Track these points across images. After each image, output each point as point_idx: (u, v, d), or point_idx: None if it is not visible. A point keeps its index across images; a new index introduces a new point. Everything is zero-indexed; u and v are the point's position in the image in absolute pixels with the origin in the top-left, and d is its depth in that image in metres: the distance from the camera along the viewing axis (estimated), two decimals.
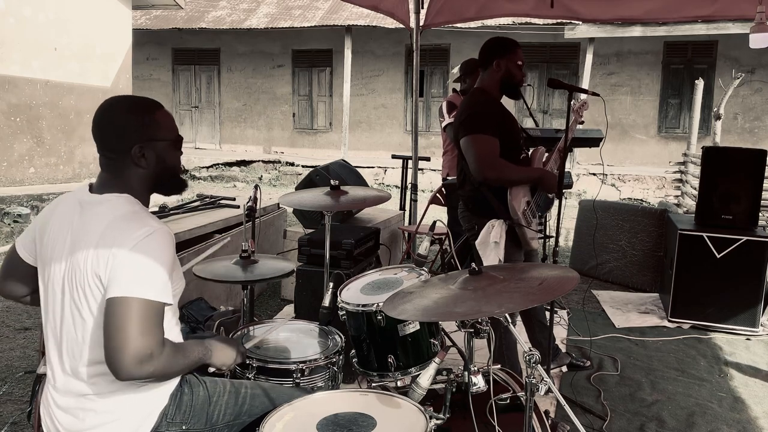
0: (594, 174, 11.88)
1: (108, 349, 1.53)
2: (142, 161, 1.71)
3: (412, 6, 5.49)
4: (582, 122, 3.36)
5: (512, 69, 3.06)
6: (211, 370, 1.85)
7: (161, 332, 1.60)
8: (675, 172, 10.31)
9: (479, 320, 1.88)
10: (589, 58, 12.67)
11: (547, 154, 3.27)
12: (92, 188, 1.74)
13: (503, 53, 3.06)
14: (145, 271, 1.57)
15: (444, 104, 5.06)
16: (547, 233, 3.36)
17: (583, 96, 3.39)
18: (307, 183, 4.94)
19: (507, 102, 3.15)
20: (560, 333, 4.17)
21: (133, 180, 1.72)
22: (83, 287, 1.62)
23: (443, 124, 5.06)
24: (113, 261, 1.57)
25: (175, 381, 1.76)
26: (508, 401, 1.92)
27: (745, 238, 4.31)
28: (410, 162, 5.90)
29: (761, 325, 4.38)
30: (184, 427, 1.75)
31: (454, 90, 5.21)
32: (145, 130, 1.70)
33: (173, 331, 1.78)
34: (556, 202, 3.27)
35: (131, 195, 1.71)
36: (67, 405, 1.69)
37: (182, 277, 1.78)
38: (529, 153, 3.24)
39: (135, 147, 1.69)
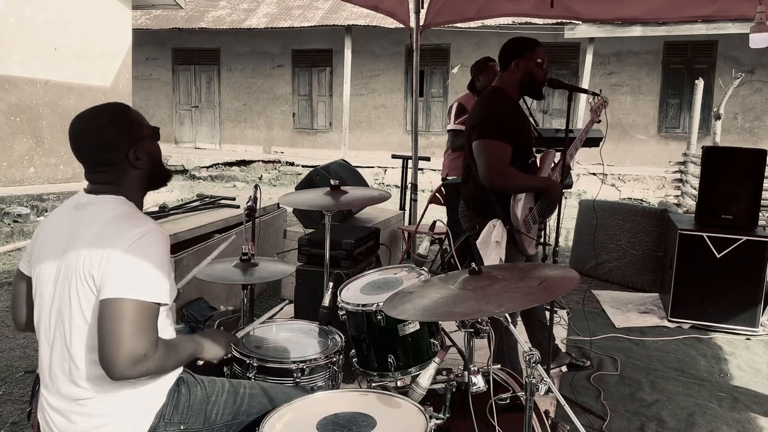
0: (594, 174, 11.88)
1: (102, 350, 1.54)
2: (139, 163, 1.73)
3: (412, 6, 5.49)
4: (599, 121, 3.32)
5: (532, 68, 3.01)
6: (200, 363, 1.85)
7: (155, 333, 1.60)
8: (675, 172, 10.31)
9: (479, 320, 1.88)
10: (589, 58, 12.67)
11: (558, 154, 3.25)
12: (87, 190, 1.75)
13: (521, 53, 3.01)
14: (139, 272, 1.57)
15: (455, 105, 4.97)
16: (547, 234, 3.35)
17: (588, 95, 3.35)
18: (307, 183, 4.93)
19: None
20: (560, 333, 4.17)
21: (129, 183, 1.74)
22: (76, 287, 1.61)
23: (447, 128, 5.02)
24: (106, 262, 1.57)
25: (171, 380, 1.76)
26: (508, 401, 1.92)
27: (745, 238, 4.31)
28: (410, 162, 5.89)
29: (761, 325, 4.38)
30: (182, 427, 1.74)
31: (470, 89, 5.00)
32: (131, 133, 1.73)
33: (167, 330, 1.77)
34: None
35: (126, 197, 1.72)
36: (60, 407, 1.69)
37: (174, 284, 1.77)
38: (539, 157, 3.22)
39: (130, 152, 1.71)
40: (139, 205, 1.78)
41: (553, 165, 3.21)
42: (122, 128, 1.72)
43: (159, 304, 1.61)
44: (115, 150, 1.70)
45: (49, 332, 1.69)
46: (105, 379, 1.58)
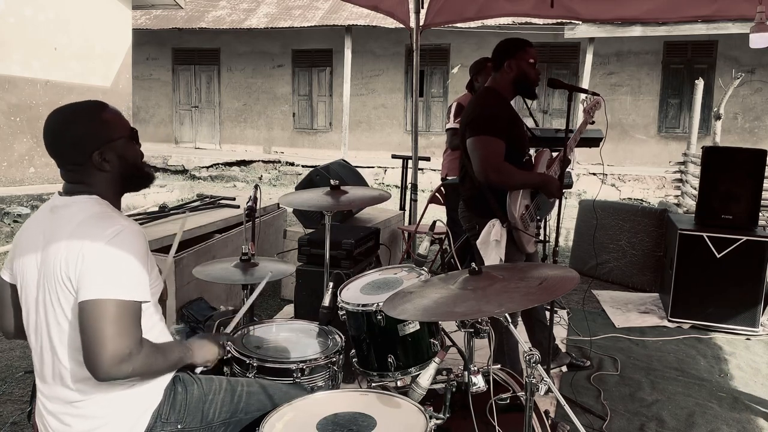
0: (594, 174, 11.87)
1: (86, 351, 1.53)
2: (105, 165, 1.70)
3: (412, 6, 5.49)
4: (593, 122, 3.33)
5: (525, 68, 3.04)
6: (199, 370, 1.84)
7: (138, 331, 1.59)
8: (675, 172, 10.31)
9: (479, 320, 1.88)
10: (589, 58, 12.66)
11: (555, 154, 3.25)
12: (62, 191, 1.73)
13: (513, 53, 3.04)
14: (117, 271, 1.56)
15: (454, 105, 4.97)
16: (547, 234, 3.35)
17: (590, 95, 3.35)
18: (307, 183, 4.94)
19: None
20: (560, 333, 4.17)
21: (101, 184, 1.71)
22: (55, 290, 1.60)
23: (446, 126, 5.03)
24: (82, 263, 1.56)
25: (167, 379, 1.75)
26: (508, 401, 1.92)
27: (745, 238, 4.31)
28: (410, 162, 5.90)
29: (761, 325, 4.38)
30: (179, 426, 1.74)
31: (469, 89, 5.00)
32: (99, 134, 1.68)
33: (157, 327, 1.76)
34: (556, 205, 3.26)
35: (99, 197, 1.70)
36: (55, 410, 1.68)
37: (159, 277, 1.76)
38: (534, 155, 3.23)
39: (95, 154, 1.67)
40: (116, 205, 1.75)
41: (548, 161, 3.22)
42: (90, 128, 1.68)
43: (140, 302, 1.59)
44: (79, 149, 1.67)
45: (37, 336, 1.69)
46: (95, 380, 1.57)
